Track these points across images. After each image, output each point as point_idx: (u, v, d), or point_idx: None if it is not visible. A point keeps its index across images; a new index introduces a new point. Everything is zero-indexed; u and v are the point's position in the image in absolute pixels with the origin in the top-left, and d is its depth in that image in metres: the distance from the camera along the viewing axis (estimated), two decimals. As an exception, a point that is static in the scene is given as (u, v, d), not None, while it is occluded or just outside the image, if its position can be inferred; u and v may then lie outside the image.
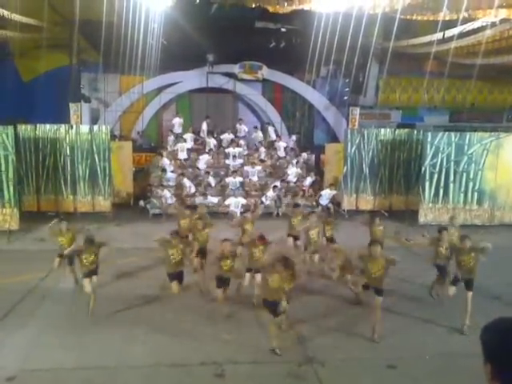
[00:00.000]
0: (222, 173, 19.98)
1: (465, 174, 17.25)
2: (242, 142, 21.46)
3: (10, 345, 8.04)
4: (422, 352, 8.09)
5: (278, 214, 18.16)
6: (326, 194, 17.88)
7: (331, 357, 7.80)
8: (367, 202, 19.33)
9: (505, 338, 1.99)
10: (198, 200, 17.26)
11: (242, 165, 20.20)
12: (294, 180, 19.64)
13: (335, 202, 18.68)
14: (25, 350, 7.90)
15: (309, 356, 7.81)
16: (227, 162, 20.37)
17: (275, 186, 18.32)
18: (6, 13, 15.62)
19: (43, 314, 9.33)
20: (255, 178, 19.24)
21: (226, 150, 20.68)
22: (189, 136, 21.36)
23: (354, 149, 19.17)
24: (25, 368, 7.36)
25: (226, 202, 17.61)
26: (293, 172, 19.72)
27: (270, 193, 18.15)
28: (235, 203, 17.47)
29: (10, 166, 15.89)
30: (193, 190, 18.52)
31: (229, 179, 18.95)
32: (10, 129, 16.14)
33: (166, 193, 17.73)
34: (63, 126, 18.30)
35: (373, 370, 7.63)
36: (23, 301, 9.94)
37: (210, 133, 21.71)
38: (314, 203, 18.35)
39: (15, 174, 16.10)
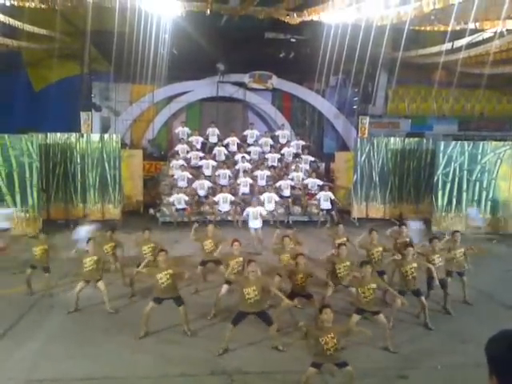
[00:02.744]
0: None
1: (478, 183, 17.21)
2: (252, 148, 21.14)
3: (18, 355, 7.98)
4: (434, 362, 8.02)
5: (288, 221, 18.06)
6: (322, 196, 17.78)
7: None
8: (377, 210, 19.30)
9: (510, 352, 1.99)
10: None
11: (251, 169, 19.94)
12: (295, 184, 19.42)
13: (339, 208, 18.58)
14: (32, 360, 7.85)
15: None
16: (237, 167, 20.05)
17: (281, 196, 18.27)
18: (18, 23, 15.85)
19: (51, 324, 9.29)
20: (263, 183, 19.14)
21: (236, 157, 20.55)
22: (194, 139, 21.11)
23: (363, 157, 19.17)
24: (32, 378, 7.30)
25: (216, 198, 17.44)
26: (294, 176, 19.46)
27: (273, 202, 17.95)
28: (223, 198, 17.33)
29: (35, 173, 16.33)
30: (202, 192, 18.38)
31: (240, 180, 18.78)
32: (35, 137, 16.51)
33: (182, 196, 17.49)
34: (74, 134, 18.43)
35: (384, 380, 7.57)
36: (31, 310, 9.93)
37: (220, 141, 21.47)
38: (319, 210, 18.27)
39: (39, 180, 16.48)
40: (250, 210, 15.11)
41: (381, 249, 10.57)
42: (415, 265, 9.28)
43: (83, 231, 12.75)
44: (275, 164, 20.43)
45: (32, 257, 10.77)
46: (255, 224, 14.81)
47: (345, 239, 11.46)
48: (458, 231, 10.98)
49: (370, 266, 8.49)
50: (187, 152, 20.53)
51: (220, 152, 20.61)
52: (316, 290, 9.86)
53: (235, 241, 10.13)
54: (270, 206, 17.36)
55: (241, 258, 9.88)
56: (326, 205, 17.76)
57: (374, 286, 8.33)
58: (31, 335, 8.73)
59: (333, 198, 17.86)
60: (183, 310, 8.77)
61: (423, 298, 9.30)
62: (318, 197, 17.97)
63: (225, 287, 9.69)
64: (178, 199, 17.40)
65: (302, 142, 21.76)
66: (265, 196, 17.36)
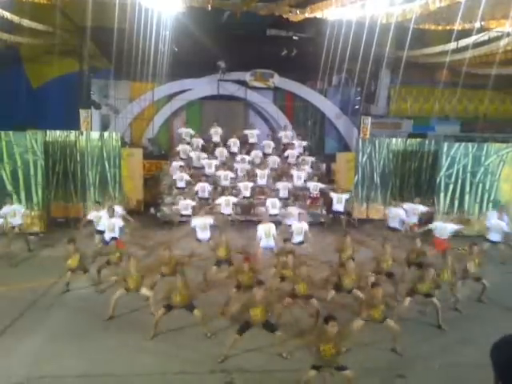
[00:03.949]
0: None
1: (481, 185, 17.10)
2: (253, 151, 20.88)
3: (18, 352, 7.95)
4: (433, 362, 7.97)
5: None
6: (335, 197, 17.15)
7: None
8: (378, 211, 19.13)
9: None
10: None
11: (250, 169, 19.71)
12: (299, 184, 19.23)
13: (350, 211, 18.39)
14: (32, 357, 7.82)
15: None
16: (238, 170, 19.77)
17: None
18: (15, 18, 15.67)
19: (51, 321, 9.25)
20: (263, 182, 18.97)
21: (236, 158, 20.34)
22: (195, 140, 20.94)
23: (365, 158, 19.06)
24: (32, 375, 7.27)
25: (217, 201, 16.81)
26: (295, 175, 19.28)
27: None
28: (226, 201, 16.75)
29: (39, 171, 16.25)
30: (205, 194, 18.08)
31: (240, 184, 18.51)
32: (40, 134, 16.43)
33: (188, 202, 16.77)
34: (73, 132, 18.26)
35: (382, 379, 7.55)
36: (32, 308, 9.86)
37: (222, 141, 21.24)
38: (324, 211, 18.09)
39: (44, 178, 16.38)
40: (261, 227, 12.50)
41: (391, 262, 10.63)
42: (433, 285, 9.36)
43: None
44: (275, 167, 20.32)
45: (68, 265, 10.71)
46: (269, 243, 12.28)
47: (351, 252, 11.33)
48: (475, 243, 10.92)
49: (380, 288, 8.21)
50: (189, 152, 20.37)
51: (222, 153, 20.50)
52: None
53: (247, 259, 10.20)
54: (275, 211, 17.08)
55: (250, 274, 9.69)
56: (339, 207, 17.35)
57: (382, 308, 8.15)
58: (32, 332, 8.68)
59: (347, 197, 17.47)
60: (197, 313, 8.66)
61: (435, 300, 9.30)
62: (332, 196, 17.47)
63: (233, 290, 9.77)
64: (185, 206, 16.75)
65: (304, 143, 21.63)
66: (268, 201, 17.10)
